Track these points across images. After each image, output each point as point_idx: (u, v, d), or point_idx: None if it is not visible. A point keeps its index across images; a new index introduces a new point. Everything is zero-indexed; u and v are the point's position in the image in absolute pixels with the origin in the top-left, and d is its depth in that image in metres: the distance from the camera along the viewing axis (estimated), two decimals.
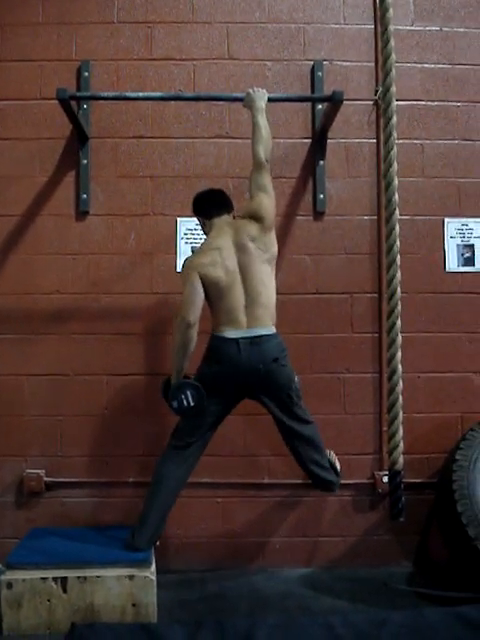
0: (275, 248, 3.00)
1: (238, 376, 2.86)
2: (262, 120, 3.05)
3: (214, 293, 2.90)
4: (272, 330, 2.92)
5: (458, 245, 3.63)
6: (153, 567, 2.88)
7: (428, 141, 3.65)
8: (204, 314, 2.91)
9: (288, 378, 2.92)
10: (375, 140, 3.61)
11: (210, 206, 3.09)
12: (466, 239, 3.63)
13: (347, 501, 3.49)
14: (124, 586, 2.76)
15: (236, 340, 2.85)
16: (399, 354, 2.93)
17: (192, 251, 3.51)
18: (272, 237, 2.99)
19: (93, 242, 3.56)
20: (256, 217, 2.96)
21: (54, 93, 3.12)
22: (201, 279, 2.87)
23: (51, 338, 3.51)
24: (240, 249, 2.92)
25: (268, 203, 2.99)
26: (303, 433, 2.96)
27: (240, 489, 3.49)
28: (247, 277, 2.90)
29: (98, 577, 2.76)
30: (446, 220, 3.63)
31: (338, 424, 3.49)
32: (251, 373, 2.85)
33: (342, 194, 3.61)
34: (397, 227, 2.92)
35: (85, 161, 3.55)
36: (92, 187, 3.56)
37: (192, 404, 2.85)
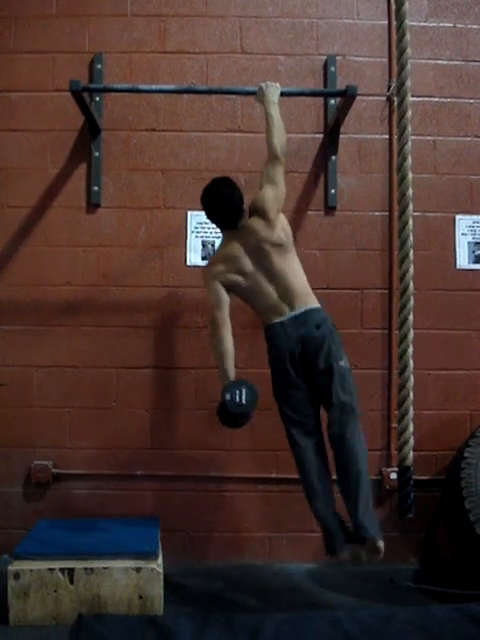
0: (288, 232, 2.91)
1: (290, 349, 2.82)
2: (275, 112, 2.99)
3: (242, 294, 2.94)
4: (317, 305, 2.89)
5: (469, 242, 3.61)
6: (160, 559, 2.89)
7: (440, 138, 3.64)
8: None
9: (330, 343, 2.82)
10: (387, 136, 3.61)
11: (225, 221, 2.96)
12: (477, 236, 3.61)
13: None
14: (131, 578, 2.77)
15: (281, 322, 2.85)
16: (410, 350, 2.91)
17: (203, 245, 3.53)
18: (281, 225, 2.90)
19: (104, 235, 3.56)
20: (260, 211, 2.90)
21: (67, 85, 3.11)
22: (221, 283, 2.89)
23: (61, 330, 3.52)
24: (255, 253, 2.87)
25: (272, 194, 2.91)
26: (350, 438, 2.79)
27: (248, 483, 3.49)
28: (273, 276, 2.87)
29: (105, 569, 2.76)
30: (457, 217, 3.61)
31: None
32: (296, 342, 2.82)
33: (354, 190, 3.60)
34: (411, 222, 2.90)
35: (97, 153, 3.54)
36: (103, 180, 3.56)
37: (243, 402, 2.74)
